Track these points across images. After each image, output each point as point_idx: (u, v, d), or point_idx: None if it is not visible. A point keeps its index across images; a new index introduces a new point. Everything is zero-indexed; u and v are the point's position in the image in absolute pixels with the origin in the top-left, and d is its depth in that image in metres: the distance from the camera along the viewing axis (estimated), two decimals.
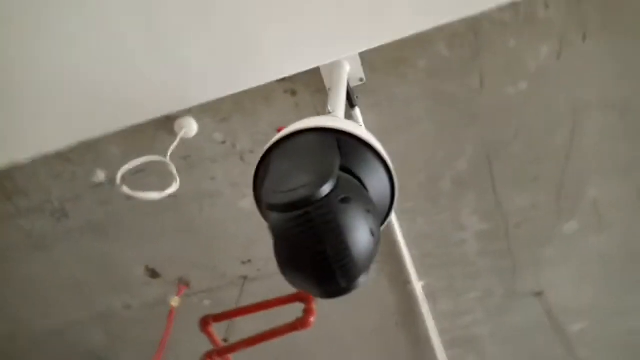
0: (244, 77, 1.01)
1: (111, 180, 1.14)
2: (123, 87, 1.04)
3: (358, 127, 0.71)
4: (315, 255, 0.55)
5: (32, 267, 1.66)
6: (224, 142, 1.40)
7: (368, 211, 0.60)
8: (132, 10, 0.95)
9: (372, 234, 0.59)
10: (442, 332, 1.80)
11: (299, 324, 1.24)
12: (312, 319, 1.22)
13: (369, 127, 1.35)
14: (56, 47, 0.98)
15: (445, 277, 1.69)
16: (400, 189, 1.59)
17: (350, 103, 1.32)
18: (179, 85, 1.08)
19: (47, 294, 1.75)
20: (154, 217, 1.56)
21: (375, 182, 0.69)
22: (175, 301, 1.65)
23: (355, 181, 0.65)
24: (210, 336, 1.44)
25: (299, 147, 0.67)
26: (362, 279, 0.59)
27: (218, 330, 1.54)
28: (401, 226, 1.55)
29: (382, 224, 0.75)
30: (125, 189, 1.08)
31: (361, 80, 1.29)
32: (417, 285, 1.64)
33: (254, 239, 1.62)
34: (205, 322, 1.43)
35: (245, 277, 1.72)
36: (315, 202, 0.54)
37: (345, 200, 0.57)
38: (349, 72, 1.26)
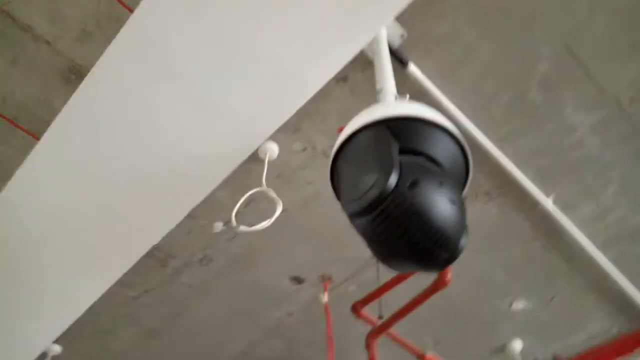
0: (288, 101, 1.08)
1: (227, 222, 1.31)
2: (203, 150, 1.19)
3: (400, 105, 0.71)
4: (408, 244, 0.59)
5: (204, 310, 1.95)
6: (305, 149, 1.48)
7: (441, 183, 0.61)
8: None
9: (453, 202, 0.61)
10: (592, 236, 1.68)
11: (439, 284, 1.28)
12: (448, 277, 1.24)
13: (429, 76, 1.32)
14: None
15: (574, 183, 1.57)
16: (489, 119, 1.52)
17: (402, 63, 1.29)
18: (252, 122, 1.20)
19: (224, 326, 2.04)
20: (279, 234, 1.70)
21: (441, 148, 0.69)
22: (324, 297, 1.80)
23: (419, 159, 0.66)
24: (364, 319, 1.55)
25: (356, 150, 0.70)
26: (462, 242, 0.62)
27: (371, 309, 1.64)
28: (506, 153, 1.49)
29: (466, 180, 0.75)
30: (242, 228, 1.22)
31: (402, 36, 1.26)
32: (547, 202, 1.56)
33: None
34: (355, 309, 1.55)
35: None
36: (387, 198, 0.58)
37: (414, 184, 0.59)
38: (388, 34, 1.24)
